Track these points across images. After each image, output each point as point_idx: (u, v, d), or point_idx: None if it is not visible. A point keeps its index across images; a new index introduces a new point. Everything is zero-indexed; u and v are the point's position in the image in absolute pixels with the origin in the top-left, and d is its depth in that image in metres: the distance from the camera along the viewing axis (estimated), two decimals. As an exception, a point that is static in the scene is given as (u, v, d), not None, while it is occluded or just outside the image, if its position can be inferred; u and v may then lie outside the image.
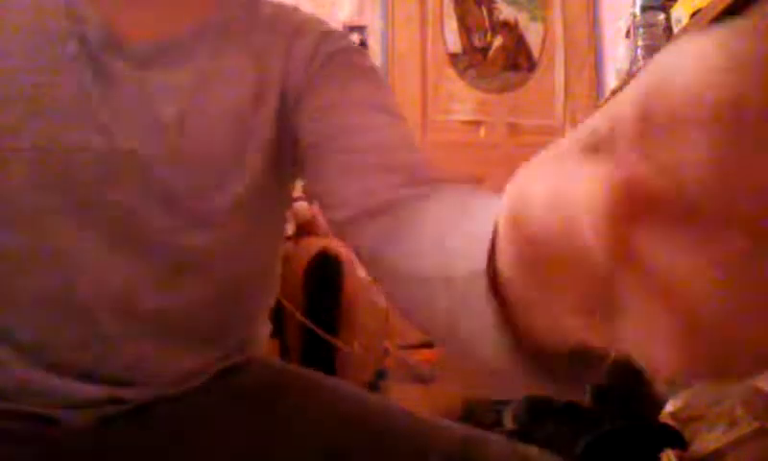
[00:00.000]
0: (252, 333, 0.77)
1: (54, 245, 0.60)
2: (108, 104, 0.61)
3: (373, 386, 2.00)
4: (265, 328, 0.80)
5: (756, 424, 1.14)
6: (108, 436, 0.66)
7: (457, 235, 0.41)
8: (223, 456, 0.71)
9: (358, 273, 1.96)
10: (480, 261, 0.34)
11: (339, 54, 0.67)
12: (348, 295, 2.02)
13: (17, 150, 0.60)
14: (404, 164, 0.61)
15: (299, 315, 1.95)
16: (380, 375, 2.09)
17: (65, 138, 0.60)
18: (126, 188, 0.61)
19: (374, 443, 0.67)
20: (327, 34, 0.69)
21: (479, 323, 0.34)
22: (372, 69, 0.70)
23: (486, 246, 0.34)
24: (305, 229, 2.16)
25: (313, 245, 2.04)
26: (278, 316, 1.98)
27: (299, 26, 0.69)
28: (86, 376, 0.64)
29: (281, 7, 0.72)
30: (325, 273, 1.99)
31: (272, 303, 0.79)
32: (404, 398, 1.89)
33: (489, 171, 2.99)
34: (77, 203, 0.61)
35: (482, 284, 0.33)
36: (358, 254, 0.60)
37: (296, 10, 0.72)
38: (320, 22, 0.71)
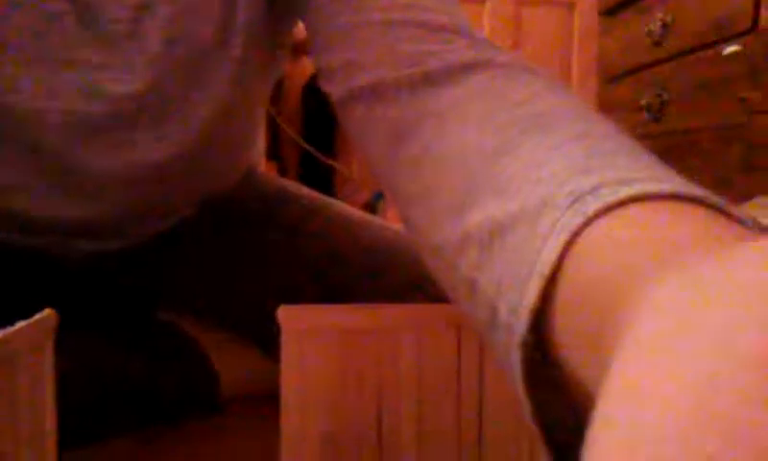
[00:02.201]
0: (246, 159, 0.77)
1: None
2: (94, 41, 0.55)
3: (371, 207, 2.03)
4: (258, 145, 0.80)
5: None
6: (105, 259, 0.68)
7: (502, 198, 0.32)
8: (212, 280, 0.73)
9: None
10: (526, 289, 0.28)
11: None
12: (345, 116, 2.00)
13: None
14: (443, 22, 0.44)
15: (296, 137, 1.94)
16: (378, 196, 2.12)
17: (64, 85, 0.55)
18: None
19: (369, 269, 0.69)
20: None
21: (505, 337, 0.30)
22: None
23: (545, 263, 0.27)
24: (302, 47, 2.10)
25: (310, 65, 2.00)
26: (275, 138, 1.98)
27: None
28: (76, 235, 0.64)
29: None
30: (324, 93, 1.96)
31: (262, 120, 0.78)
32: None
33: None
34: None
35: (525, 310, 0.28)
36: (361, 145, 0.46)
37: None
38: None
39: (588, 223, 0.27)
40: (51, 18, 0.53)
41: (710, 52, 1.54)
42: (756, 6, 1.40)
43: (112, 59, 0.55)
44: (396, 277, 0.67)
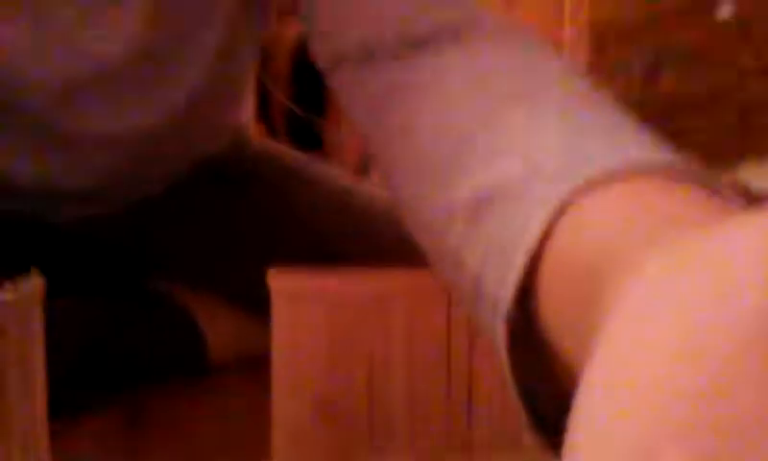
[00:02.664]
0: (234, 121, 0.76)
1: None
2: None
3: (361, 170, 2.02)
4: (246, 110, 0.80)
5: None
6: (95, 224, 0.68)
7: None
8: (203, 244, 0.72)
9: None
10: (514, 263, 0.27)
11: None
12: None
13: None
14: None
15: (283, 98, 1.92)
16: (368, 158, 2.11)
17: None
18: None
19: (360, 232, 0.69)
20: None
21: (489, 313, 0.29)
22: None
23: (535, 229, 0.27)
24: (290, 8, 2.07)
25: (298, 26, 1.97)
26: (264, 101, 1.95)
27: None
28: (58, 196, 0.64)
29: None
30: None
31: (250, 83, 0.78)
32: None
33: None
34: None
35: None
36: (348, 110, 0.45)
37: None
38: None
39: (575, 196, 0.26)
40: None
41: (704, 14, 1.53)
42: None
43: (96, 16, 0.54)
44: (386, 240, 0.66)
